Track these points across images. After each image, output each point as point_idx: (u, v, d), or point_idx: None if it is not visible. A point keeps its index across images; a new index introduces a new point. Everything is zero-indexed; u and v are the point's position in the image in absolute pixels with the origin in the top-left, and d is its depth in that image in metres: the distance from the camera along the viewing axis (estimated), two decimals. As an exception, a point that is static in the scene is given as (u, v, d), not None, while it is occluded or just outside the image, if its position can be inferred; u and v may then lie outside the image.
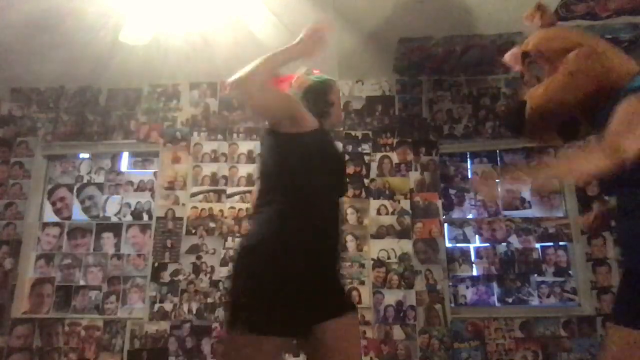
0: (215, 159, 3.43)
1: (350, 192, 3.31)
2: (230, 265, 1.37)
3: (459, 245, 3.28)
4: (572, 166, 1.27)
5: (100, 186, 3.52)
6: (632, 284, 1.21)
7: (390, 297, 3.08)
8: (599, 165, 1.16)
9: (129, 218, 3.44)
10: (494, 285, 3.19)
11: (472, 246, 3.28)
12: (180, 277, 3.19)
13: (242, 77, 1.42)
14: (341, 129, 3.45)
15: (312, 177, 1.40)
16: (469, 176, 3.42)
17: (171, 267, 3.20)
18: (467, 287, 3.20)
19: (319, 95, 1.63)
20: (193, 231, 3.27)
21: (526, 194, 3.31)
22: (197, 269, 3.19)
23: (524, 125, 1.50)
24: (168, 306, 3.13)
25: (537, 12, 1.52)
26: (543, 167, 1.40)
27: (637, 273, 1.19)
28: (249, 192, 3.27)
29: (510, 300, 3.15)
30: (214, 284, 3.15)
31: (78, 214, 3.49)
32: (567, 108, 1.40)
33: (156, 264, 3.22)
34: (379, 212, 3.25)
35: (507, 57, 1.57)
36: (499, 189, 1.54)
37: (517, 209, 3.30)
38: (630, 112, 1.18)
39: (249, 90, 1.41)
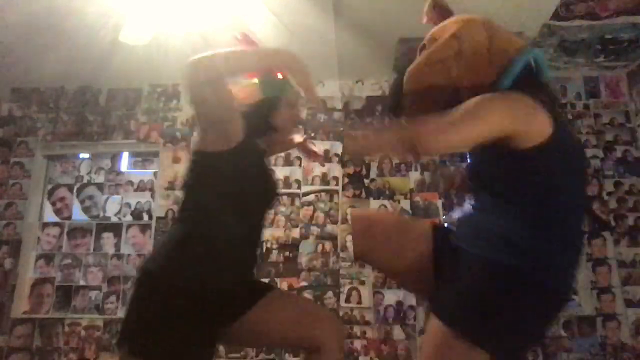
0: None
1: (350, 192, 3.31)
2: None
3: (459, 245, 3.27)
4: (378, 141, 1.23)
5: (100, 186, 3.52)
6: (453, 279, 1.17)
7: (390, 297, 3.08)
8: (396, 150, 1.21)
9: (129, 218, 3.44)
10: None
11: (472, 246, 3.28)
12: (180, 277, 3.18)
13: (205, 59, 1.28)
14: (341, 128, 3.45)
15: (225, 200, 1.32)
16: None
17: (171, 267, 3.20)
18: (467, 287, 3.19)
19: (260, 116, 1.47)
20: (193, 231, 3.26)
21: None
22: (197, 269, 3.19)
23: (402, 105, 1.34)
24: (168, 306, 3.13)
25: (432, 10, 1.42)
26: (364, 135, 1.27)
27: (480, 266, 1.13)
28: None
29: (510, 300, 3.15)
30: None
31: (78, 214, 3.49)
32: (448, 78, 1.24)
33: (156, 264, 3.22)
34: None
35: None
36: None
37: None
38: (469, 107, 1.10)
39: (201, 76, 1.27)
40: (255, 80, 1.52)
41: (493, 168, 1.18)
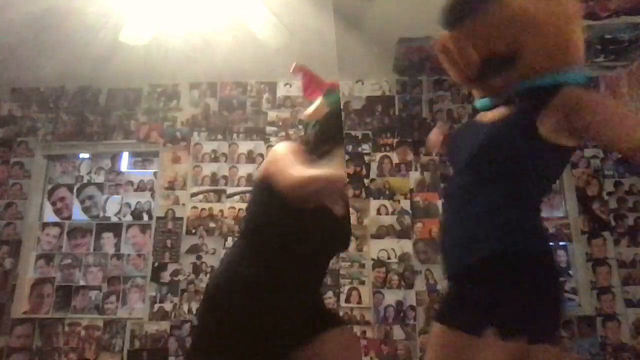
0: (215, 159, 3.43)
1: (350, 192, 3.31)
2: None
3: (459, 245, 3.27)
4: None
5: (100, 186, 3.52)
6: (466, 285, 1.12)
7: (390, 297, 3.08)
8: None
9: (129, 218, 3.44)
10: (494, 285, 3.19)
11: (472, 246, 3.28)
12: (180, 277, 3.19)
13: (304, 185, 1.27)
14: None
15: (289, 245, 1.33)
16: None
17: (171, 267, 3.20)
18: (467, 287, 3.19)
19: (333, 124, 1.57)
20: (193, 231, 3.27)
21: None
22: (197, 269, 3.19)
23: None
24: (168, 306, 3.13)
25: None
26: None
27: (470, 272, 1.10)
28: (250, 191, 3.27)
29: (510, 300, 3.15)
30: (214, 284, 3.15)
31: (78, 214, 3.49)
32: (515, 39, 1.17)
33: (156, 264, 3.22)
34: (379, 212, 3.25)
35: None
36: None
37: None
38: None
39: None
40: (321, 98, 1.70)
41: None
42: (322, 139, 1.51)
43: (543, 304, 1.06)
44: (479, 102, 1.35)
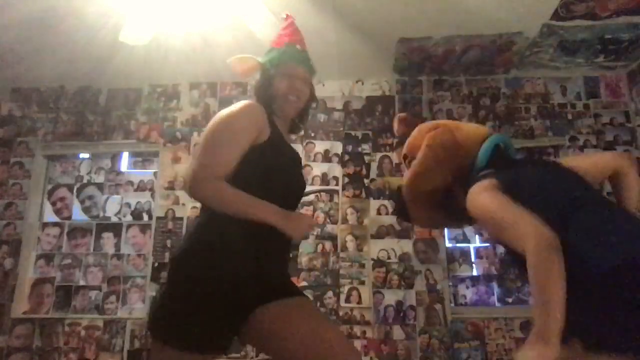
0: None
1: (350, 192, 3.31)
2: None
3: (459, 245, 3.28)
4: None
5: (100, 186, 3.52)
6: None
7: (390, 297, 3.08)
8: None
9: (129, 218, 3.44)
10: (494, 285, 3.19)
11: (472, 246, 3.28)
12: (180, 277, 3.18)
13: (210, 190, 1.28)
14: (341, 128, 3.45)
15: (249, 189, 1.30)
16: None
17: (171, 267, 3.20)
18: (467, 287, 3.20)
19: (261, 87, 1.53)
20: (193, 231, 3.26)
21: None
22: (197, 269, 3.19)
23: (407, 210, 1.63)
24: (168, 306, 3.13)
25: (399, 123, 1.82)
26: None
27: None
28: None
29: (510, 300, 3.15)
30: (214, 284, 3.15)
31: (78, 214, 3.50)
32: (436, 185, 1.52)
33: (156, 264, 3.22)
34: (379, 212, 3.25)
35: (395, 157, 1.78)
36: None
37: (517, 209, 3.30)
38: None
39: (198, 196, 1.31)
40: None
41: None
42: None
43: (629, 321, 1.03)
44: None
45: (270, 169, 1.36)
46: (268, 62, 1.53)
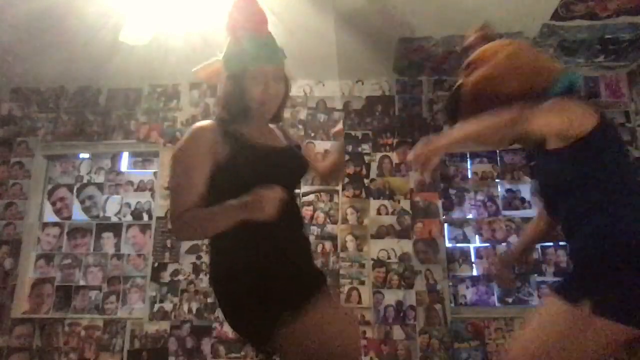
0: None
1: (350, 192, 3.31)
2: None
3: (459, 245, 3.28)
4: (480, 125, 1.32)
5: (100, 186, 3.52)
6: (579, 269, 1.35)
7: (390, 297, 3.08)
8: (501, 125, 1.28)
9: (129, 218, 3.44)
10: (494, 285, 3.19)
11: (472, 246, 3.28)
12: (180, 277, 3.19)
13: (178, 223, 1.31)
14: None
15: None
16: (469, 176, 3.42)
17: (171, 267, 3.20)
18: (467, 287, 3.20)
19: (232, 98, 1.39)
20: (193, 231, 3.26)
21: (526, 194, 3.32)
22: (197, 269, 3.19)
23: (459, 109, 1.58)
24: (168, 306, 3.13)
25: (479, 33, 1.69)
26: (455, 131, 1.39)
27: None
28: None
29: (510, 300, 3.15)
30: (214, 284, 3.15)
31: (78, 214, 3.49)
32: (502, 94, 1.46)
33: (156, 264, 3.22)
34: (379, 212, 3.25)
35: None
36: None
37: (517, 209, 3.30)
38: (550, 106, 1.32)
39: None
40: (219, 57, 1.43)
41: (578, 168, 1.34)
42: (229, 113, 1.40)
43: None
44: None
45: (244, 184, 1.27)
46: (234, 67, 1.38)
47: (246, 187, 1.25)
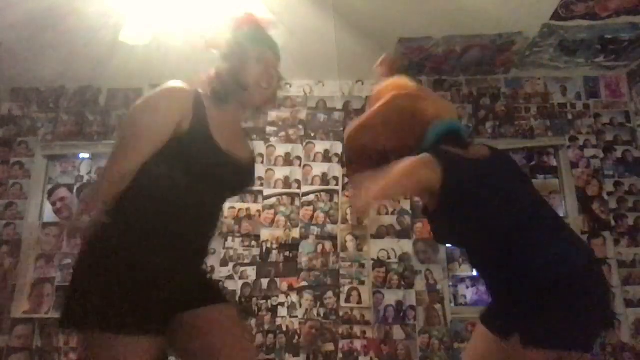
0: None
1: (350, 192, 3.30)
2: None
3: (459, 245, 3.28)
4: (386, 181, 1.31)
5: (100, 186, 3.51)
6: (505, 301, 1.36)
7: (390, 297, 3.08)
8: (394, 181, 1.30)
9: (129, 218, 3.43)
10: (494, 285, 3.19)
11: (472, 246, 3.28)
12: (180, 277, 3.18)
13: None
14: (341, 128, 3.45)
15: (170, 177, 1.26)
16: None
17: (171, 267, 3.20)
18: (467, 287, 3.20)
19: (231, 71, 1.39)
20: (193, 231, 3.26)
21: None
22: (197, 269, 3.19)
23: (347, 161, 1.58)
24: (168, 306, 3.13)
25: (382, 64, 1.72)
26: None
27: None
28: (250, 191, 3.27)
29: (510, 300, 3.15)
30: (214, 284, 3.15)
31: (78, 214, 3.49)
32: (376, 142, 1.46)
33: (156, 264, 3.22)
34: (379, 212, 3.25)
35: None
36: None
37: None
38: (401, 168, 1.31)
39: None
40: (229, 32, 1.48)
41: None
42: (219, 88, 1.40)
43: (567, 320, 1.22)
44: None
45: (178, 163, 1.25)
46: (242, 42, 1.43)
47: (178, 169, 1.24)
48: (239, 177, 1.43)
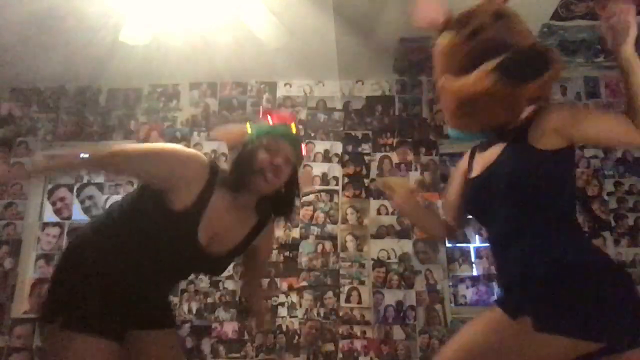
0: (215, 159, 3.43)
1: (350, 192, 3.31)
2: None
3: (459, 245, 3.28)
4: None
5: (100, 186, 3.52)
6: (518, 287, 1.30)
7: (390, 297, 3.08)
8: None
9: (129, 218, 3.43)
10: (494, 285, 3.19)
11: (472, 246, 3.28)
12: (180, 277, 3.18)
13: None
14: (341, 128, 3.45)
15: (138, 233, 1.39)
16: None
17: (171, 267, 3.20)
18: (467, 287, 3.20)
19: (241, 159, 1.45)
20: (193, 231, 3.26)
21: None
22: (197, 269, 3.19)
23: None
24: (168, 306, 3.13)
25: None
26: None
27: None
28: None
29: (510, 300, 3.15)
30: (214, 284, 3.15)
31: (78, 214, 3.49)
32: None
33: (156, 264, 3.22)
34: (379, 212, 3.25)
35: None
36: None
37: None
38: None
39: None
40: (248, 125, 1.53)
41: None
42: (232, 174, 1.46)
43: (581, 307, 1.18)
44: (460, 134, 1.48)
45: (154, 231, 1.37)
46: (255, 133, 1.47)
47: (156, 224, 1.36)
48: (204, 267, 1.61)
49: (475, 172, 1.46)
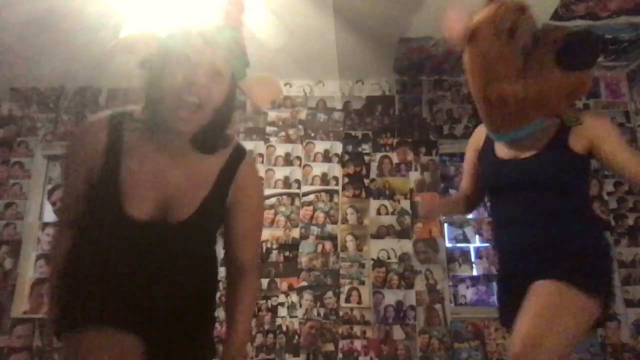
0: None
1: (350, 192, 3.31)
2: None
3: (459, 245, 3.28)
4: None
5: (100, 186, 3.51)
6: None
7: (390, 297, 3.08)
8: None
9: (129, 218, 3.43)
10: (494, 285, 3.19)
11: (472, 246, 3.28)
12: (180, 277, 3.18)
13: None
14: (341, 128, 3.45)
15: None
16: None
17: (171, 267, 3.20)
18: (467, 287, 3.20)
19: (149, 82, 1.08)
20: (193, 231, 3.26)
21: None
22: (197, 269, 3.19)
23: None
24: (168, 306, 3.13)
25: None
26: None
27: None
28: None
29: (510, 300, 3.15)
30: (214, 284, 3.15)
31: (78, 214, 3.49)
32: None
33: (156, 264, 3.22)
34: (379, 212, 3.25)
35: None
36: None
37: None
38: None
39: None
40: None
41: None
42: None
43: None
44: (507, 137, 1.56)
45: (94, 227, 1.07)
46: (165, 41, 1.06)
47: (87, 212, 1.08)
48: (172, 243, 1.13)
49: (503, 154, 1.57)
